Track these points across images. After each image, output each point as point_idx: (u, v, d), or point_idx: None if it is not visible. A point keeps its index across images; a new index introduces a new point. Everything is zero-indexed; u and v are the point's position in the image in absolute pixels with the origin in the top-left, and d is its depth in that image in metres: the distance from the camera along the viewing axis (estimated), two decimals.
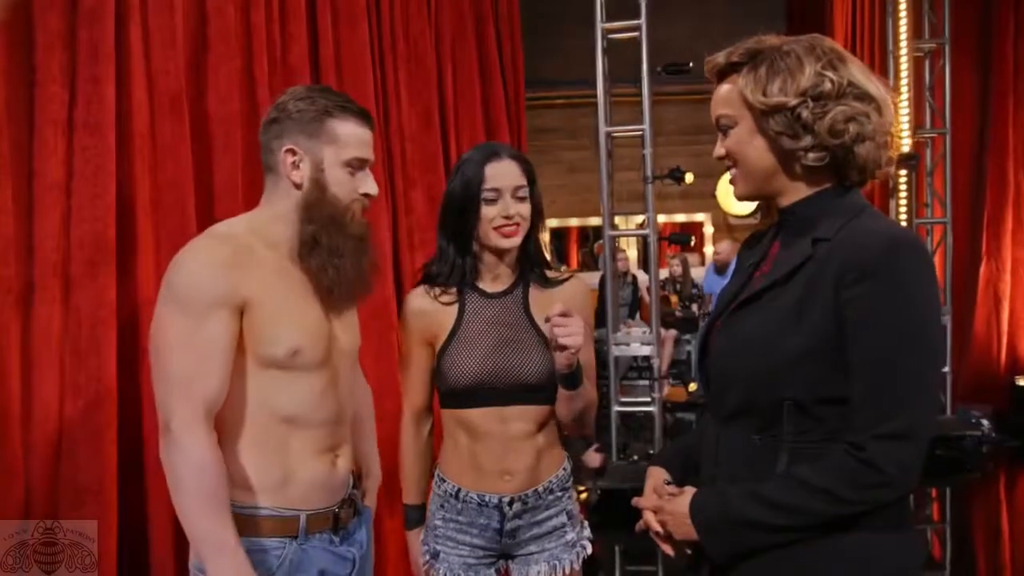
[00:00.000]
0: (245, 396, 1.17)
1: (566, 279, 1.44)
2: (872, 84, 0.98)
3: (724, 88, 1.03)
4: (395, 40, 2.78)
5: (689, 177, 3.93)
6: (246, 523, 1.16)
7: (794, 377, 0.94)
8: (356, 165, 1.22)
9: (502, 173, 1.35)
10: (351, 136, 1.21)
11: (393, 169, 2.77)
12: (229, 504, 1.10)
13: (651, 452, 3.69)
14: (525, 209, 1.36)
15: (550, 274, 1.44)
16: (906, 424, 0.89)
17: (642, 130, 3.60)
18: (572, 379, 1.31)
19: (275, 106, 1.24)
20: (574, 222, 8.02)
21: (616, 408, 3.74)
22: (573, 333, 1.22)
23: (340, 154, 1.20)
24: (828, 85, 0.95)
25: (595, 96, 3.66)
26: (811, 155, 0.97)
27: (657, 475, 1.14)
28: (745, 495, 0.96)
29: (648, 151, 3.60)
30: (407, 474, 1.51)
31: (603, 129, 3.65)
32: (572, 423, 1.43)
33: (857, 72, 0.97)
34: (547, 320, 1.23)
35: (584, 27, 3.79)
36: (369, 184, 1.25)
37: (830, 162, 0.97)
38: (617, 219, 3.83)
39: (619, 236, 3.87)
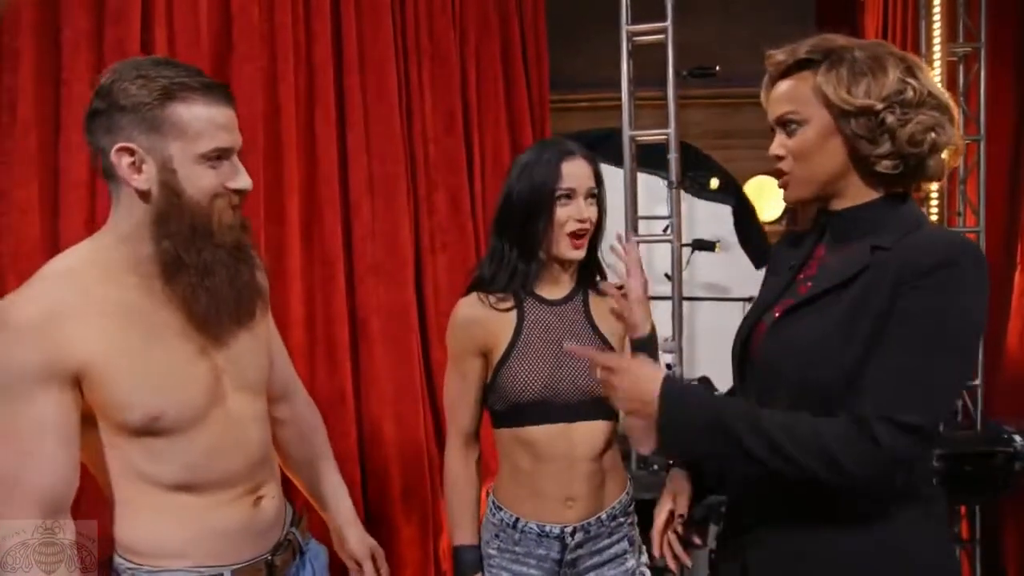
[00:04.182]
0: (116, 468, 0.99)
1: (621, 287, 1.38)
2: (945, 95, 0.96)
3: (789, 84, 0.99)
4: (419, 39, 2.77)
5: (714, 182, 3.87)
6: None
7: (852, 387, 0.91)
8: (216, 157, 0.98)
9: (577, 173, 1.27)
10: (203, 121, 0.96)
11: (416, 171, 2.75)
12: None
13: (671, 462, 3.62)
14: (594, 213, 1.29)
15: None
16: (919, 422, 0.87)
17: (667, 134, 3.55)
18: None
19: (97, 92, 0.97)
20: None
21: None
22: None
23: (193, 147, 0.95)
24: (911, 92, 0.93)
25: (619, 99, 3.62)
26: (886, 162, 0.94)
27: (679, 480, 1.16)
28: (737, 408, 0.94)
29: (673, 155, 3.54)
30: (458, 509, 1.34)
31: (627, 133, 3.60)
32: None
33: (932, 82, 0.96)
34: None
35: (609, 29, 3.75)
36: (239, 177, 1.00)
37: (902, 170, 0.95)
38: (640, 224, 3.77)
39: (643, 241, 3.81)
